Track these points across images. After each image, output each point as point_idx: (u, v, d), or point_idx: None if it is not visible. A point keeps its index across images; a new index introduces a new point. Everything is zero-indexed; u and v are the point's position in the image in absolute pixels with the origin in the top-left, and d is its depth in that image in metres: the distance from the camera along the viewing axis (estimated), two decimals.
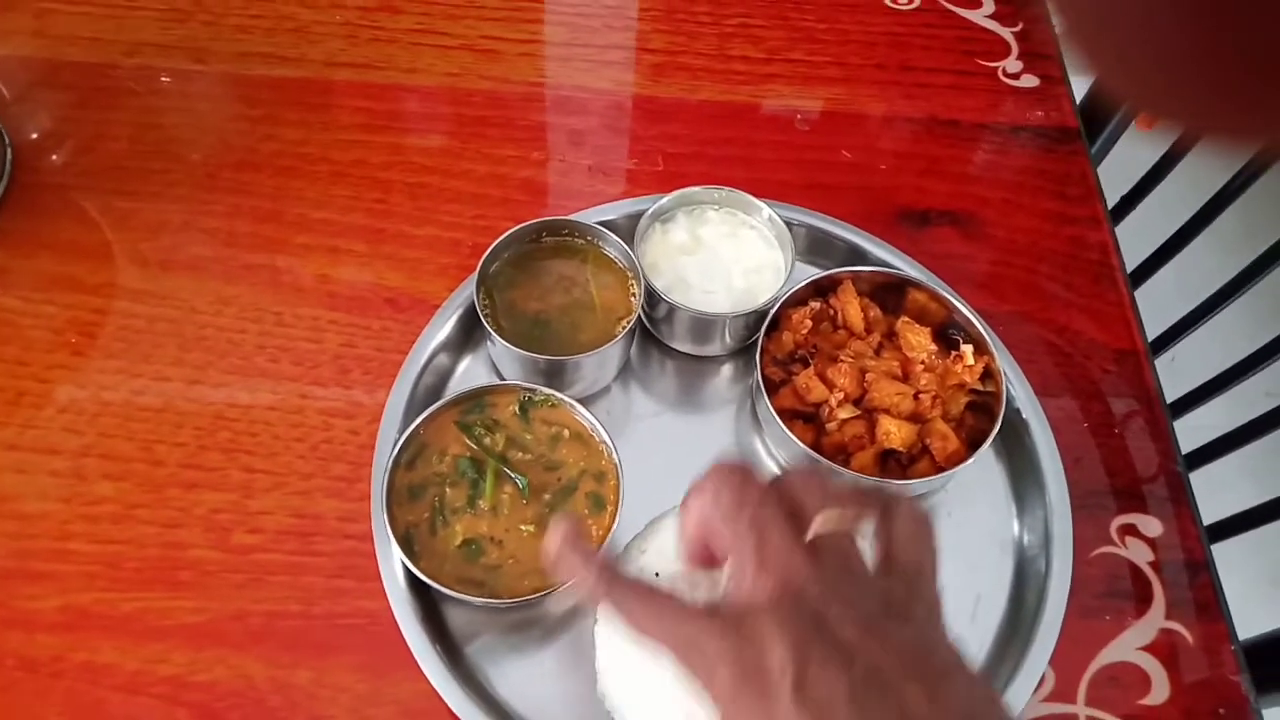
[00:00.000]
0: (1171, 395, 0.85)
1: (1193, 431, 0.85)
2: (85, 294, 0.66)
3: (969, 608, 0.58)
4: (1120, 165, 0.92)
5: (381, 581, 0.54)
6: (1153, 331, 0.87)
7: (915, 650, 0.36)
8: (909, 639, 0.36)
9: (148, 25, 0.80)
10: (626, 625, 0.40)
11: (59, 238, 0.69)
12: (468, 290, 0.63)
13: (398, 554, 0.52)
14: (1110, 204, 0.79)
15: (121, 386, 0.62)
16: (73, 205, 0.71)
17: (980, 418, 0.61)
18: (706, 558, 0.43)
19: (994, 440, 0.58)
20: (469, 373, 0.65)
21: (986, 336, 0.61)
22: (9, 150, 0.72)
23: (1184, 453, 0.66)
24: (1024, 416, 0.62)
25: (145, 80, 0.78)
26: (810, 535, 0.38)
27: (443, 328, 0.63)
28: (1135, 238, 0.87)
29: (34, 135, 0.74)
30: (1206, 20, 0.18)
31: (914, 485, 0.57)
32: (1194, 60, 0.19)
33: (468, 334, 0.65)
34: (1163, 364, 0.73)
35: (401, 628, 0.53)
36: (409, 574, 0.53)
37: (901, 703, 0.34)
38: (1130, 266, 0.80)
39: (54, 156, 0.74)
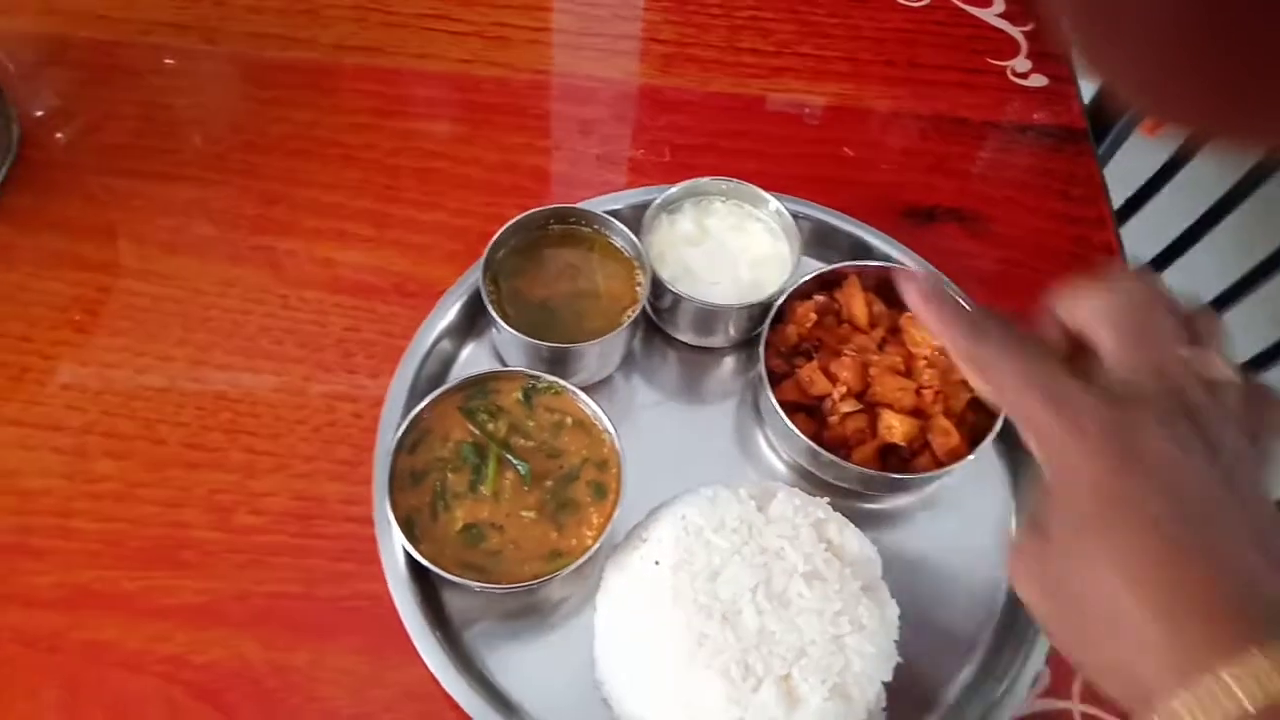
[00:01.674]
0: None
1: None
2: (90, 272, 0.66)
3: (967, 601, 0.58)
4: (1127, 167, 0.93)
5: (382, 565, 0.55)
6: None
7: (1266, 494, 0.36)
8: (1261, 483, 0.37)
9: (159, 4, 0.80)
10: (977, 366, 0.41)
11: (65, 215, 0.69)
12: (473, 276, 0.63)
13: (399, 538, 0.52)
14: (1116, 205, 0.79)
15: (125, 365, 0.63)
16: (79, 183, 0.71)
17: (982, 415, 0.61)
18: (1060, 350, 0.43)
19: (995, 437, 0.58)
20: (473, 359, 0.65)
21: None
22: (16, 127, 0.72)
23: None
24: None
25: (155, 60, 0.78)
26: (1202, 370, 0.39)
27: (448, 313, 0.63)
28: (1140, 240, 0.88)
29: (41, 113, 0.74)
30: (1210, 27, 0.18)
31: (914, 479, 0.57)
32: (1198, 65, 0.19)
33: (472, 320, 0.65)
34: None
35: (400, 612, 0.53)
36: (410, 558, 0.53)
37: (1254, 527, 0.34)
38: (1134, 269, 0.80)
39: (61, 134, 0.74)
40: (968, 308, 0.43)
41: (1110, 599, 0.34)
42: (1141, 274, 0.42)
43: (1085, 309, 0.41)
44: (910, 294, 0.45)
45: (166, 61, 0.78)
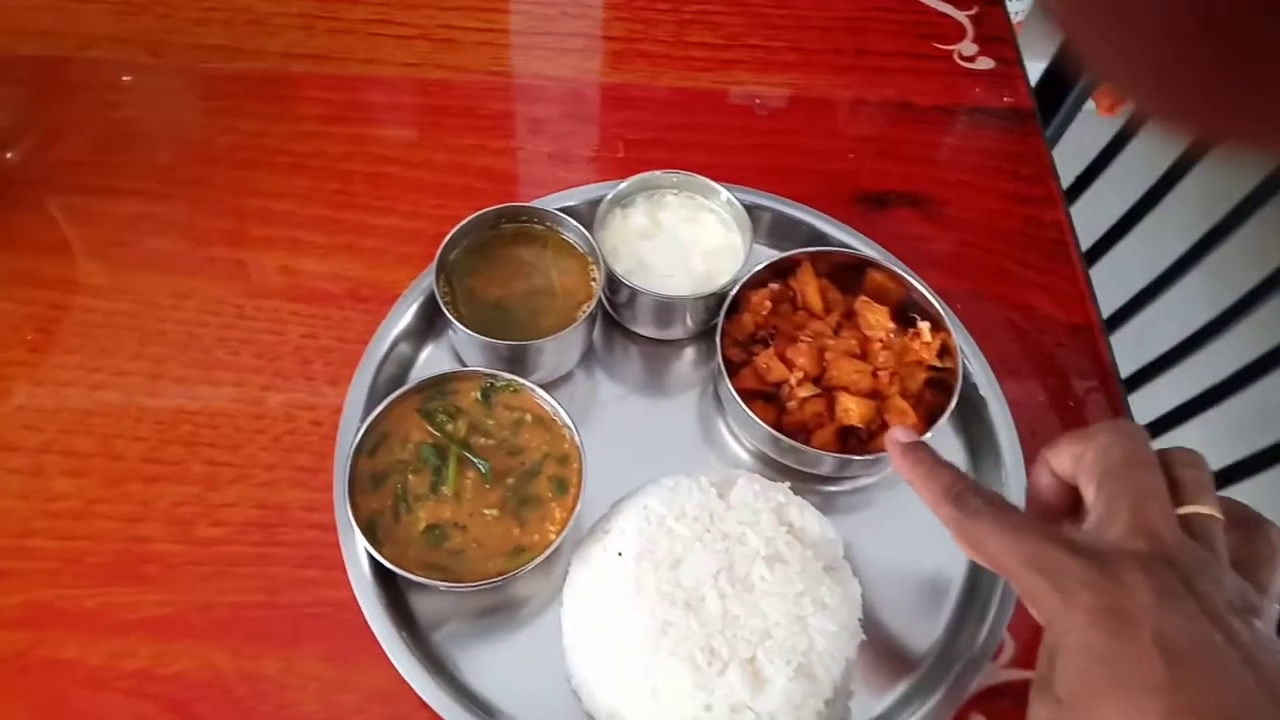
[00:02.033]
0: (1137, 378, 0.87)
1: (1151, 406, 0.87)
2: (43, 289, 0.66)
3: (930, 578, 0.59)
4: (1075, 146, 0.94)
5: (346, 570, 0.54)
6: (1114, 307, 0.89)
7: (1265, 639, 0.37)
8: (1260, 632, 0.37)
9: (101, 18, 0.79)
10: (968, 539, 0.43)
11: (15, 234, 0.68)
12: (428, 279, 0.63)
13: (361, 541, 0.52)
14: (1066, 184, 0.80)
15: (80, 382, 0.62)
16: (29, 201, 0.70)
17: (939, 394, 0.61)
18: (1053, 498, 0.45)
19: (952, 415, 0.59)
20: (431, 361, 0.65)
21: (944, 314, 0.62)
22: None
23: (1141, 424, 0.67)
24: (981, 391, 0.63)
25: (100, 74, 0.77)
26: (1184, 511, 0.40)
27: (404, 316, 0.63)
28: (1092, 216, 0.89)
29: None
30: (1200, 27, 0.18)
31: (873, 460, 0.58)
32: (1196, 67, 0.19)
33: (429, 322, 0.65)
34: (1129, 343, 0.74)
35: (367, 615, 0.53)
36: (374, 562, 0.53)
37: (1257, 678, 0.35)
38: (1087, 244, 0.82)
39: (9, 153, 0.73)
40: (948, 466, 0.46)
41: None
42: (1120, 425, 0.43)
43: (1068, 460, 0.43)
44: (891, 448, 0.49)
45: (112, 76, 0.77)
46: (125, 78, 0.77)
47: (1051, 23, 0.21)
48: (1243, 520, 0.42)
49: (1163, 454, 0.42)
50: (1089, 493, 0.42)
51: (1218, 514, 0.41)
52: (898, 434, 0.50)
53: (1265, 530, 0.42)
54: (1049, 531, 0.41)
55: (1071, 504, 0.45)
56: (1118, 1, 0.20)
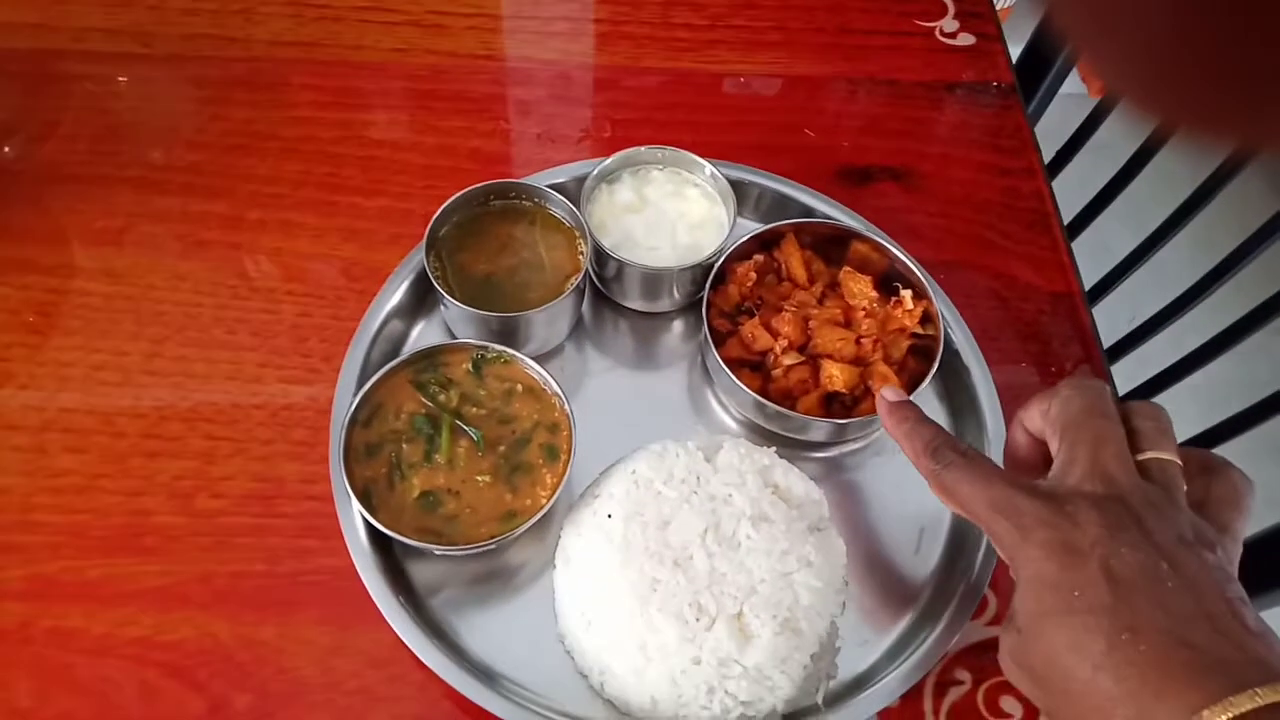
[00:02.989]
0: (1121, 346, 0.88)
1: (1135, 373, 0.88)
2: (41, 274, 0.67)
3: (913, 539, 0.60)
4: (1057, 125, 0.95)
5: (343, 539, 0.56)
6: (1101, 275, 0.90)
7: (1217, 572, 0.39)
8: (1211, 563, 0.39)
9: (92, 11, 0.80)
10: (942, 488, 0.46)
11: (11, 222, 0.70)
12: (419, 256, 0.64)
13: (357, 508, 0.54)
14: (1046, 159, 0.81)
15: (80, 363, 0.63)
16: (24, 191, 0.71)
17: (921, 360, 0.63)
18: (1028, 453, 0.48)
19: (935, 381, 0.60)
20: (423, 337, 0.66)
21: (925, 283, 0.63)
22: None
23: (1125, 392, 0.69)
24: (963, 358, 0.65)
25: (92, 66, 0.78)
26: (1143, 457, 0.43)
27: (396, 293, 0.65)
28: (1073, 191, 0.90)
29: None
30: (1197, 25, 0.19)
31: (857, 424, 0.59)
32: (1195, 65, 0.19)
33: (421, 299, 0.66)
34: (1115, 314, 0.75)
35: (365, 580, 0.54)
36: (370, 529, 0.55)
37: (1198, 603, 0.37)
38: (1068, 218, 0.83)
39: (4, 146, 0.74)
40: (929, 423, 0.49)
41: (1080, 681, 0.37)
42: (1081, 381, 0.46)
43: (1037, 416, 0.47)
44: (880, 406, 0.52)
45: (105, 66, 0.78)
46: (118, 73, 0.78)
47: (1040, 9, 0.21)
48: (1207, 466, 0.44)
49: (1124, 406, 0.45)
50: (1054, 444, 0.45)
51: (1174, 458, 0.43)
52: (886, 393, 0.53)
53: (1228, 474, 0.44)
54: (1014, 479, 0.43)
55: (1044, 459, 0.47)
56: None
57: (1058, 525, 0.40)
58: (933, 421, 0.50)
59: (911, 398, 0.59)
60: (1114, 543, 0.39)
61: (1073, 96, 1.02)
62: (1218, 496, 0.43)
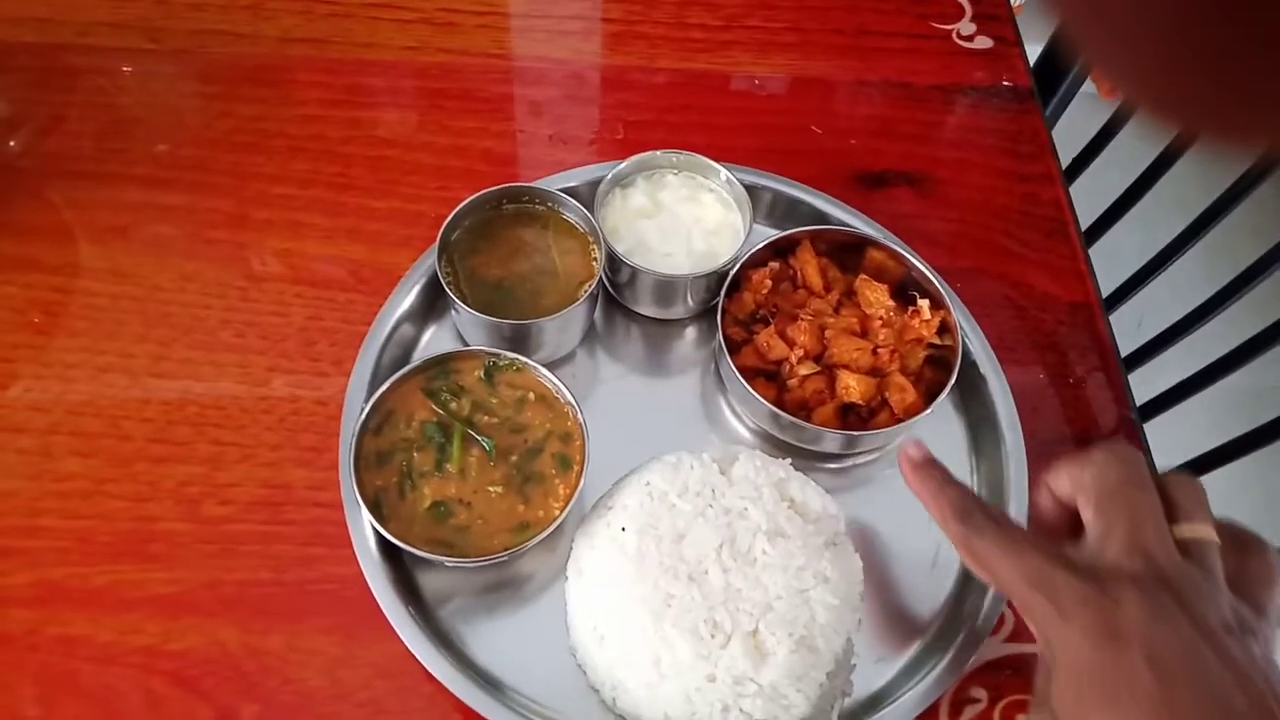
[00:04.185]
0: (1135, 357, 0.87)
1: (1150, 384, 0.87)
2: (46, 274, 0.66)
3: (930, 555, 0.59)
4: (1074, 127, 0.94)
5: (352, 548, 0.55)
6: (1115, 284, 0.89)
7: (1261, 662, 0.38)
8: (1255, 652, 0.38)
9: (100, 5, 0.79)
10: (972, 556, 0.44)
11: (17, 220, 0.69)
12: (430, 260, 0.63)
13: (367, 518, 0.53)
14: (1064, 164, 0.80)
15: (86, 364, 0.63)
16: (30, 187, 0.70)
17: (938, 371, 0.62)
18: (1055, 518, 0.46)
19: (952, 392, 0.59)
20: (434, 341, 0.65)
21: (943, 292, 0.62)
22: None
23: (1139, 404, 0.68)
24: (981, 369, 0.64)
25: (99, 60, 0.77)
26: (1181, 533, 0.41)
27: (407, 297, 0.64)
28: (1091, 196, 0.89)
29: None
30: (1206, 33, 0.18)
31: (874, 436, 0.59)
32: (1198, 72, 0.19)
33: (431, 303, 0.65)
34: (1129, 323, 0.74)
35: (374, 590, 0.53)
36: (380, 538, 0.54)
37: (1244, 694, 0.36)
38: (1085, 224, 0.82)
39: (10, 140, 0.73)
40: (957, 483, 0.47)
41: None
42: (1116, 449, 0.44)
43: (1067, 482, 0.45)
44: (903, 464, 0.50)
45: (113, 61, 0.77)
46: (125, 68, 0.77)
47: (1048, 11, 0.21)
48: (1242, 542, 0.43)
49: (1160, 478, 0.43)
50: (1087, 513, 0.43)
51: (1214, 536, 0.41)
52: (910, 451, 0.50)
53: (1263, 552, 0.43)
54: (1049, 550, 0.41)
55: (1072, 524, 0.45)
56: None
57: (1099, 607, 0.38)
58: (959, 483, 0.48)
59: (930, 410, 0.58)
60: (1157, 628, 0.37)
61: (1091, 97, 1.01)
62: (1254, 577, 0.42)
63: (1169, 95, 0.21)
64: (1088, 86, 1.00)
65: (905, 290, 0.64)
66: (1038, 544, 0.42)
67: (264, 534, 0.57)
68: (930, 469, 0.49)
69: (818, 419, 0.59)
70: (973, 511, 0.45)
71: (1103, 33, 0.20)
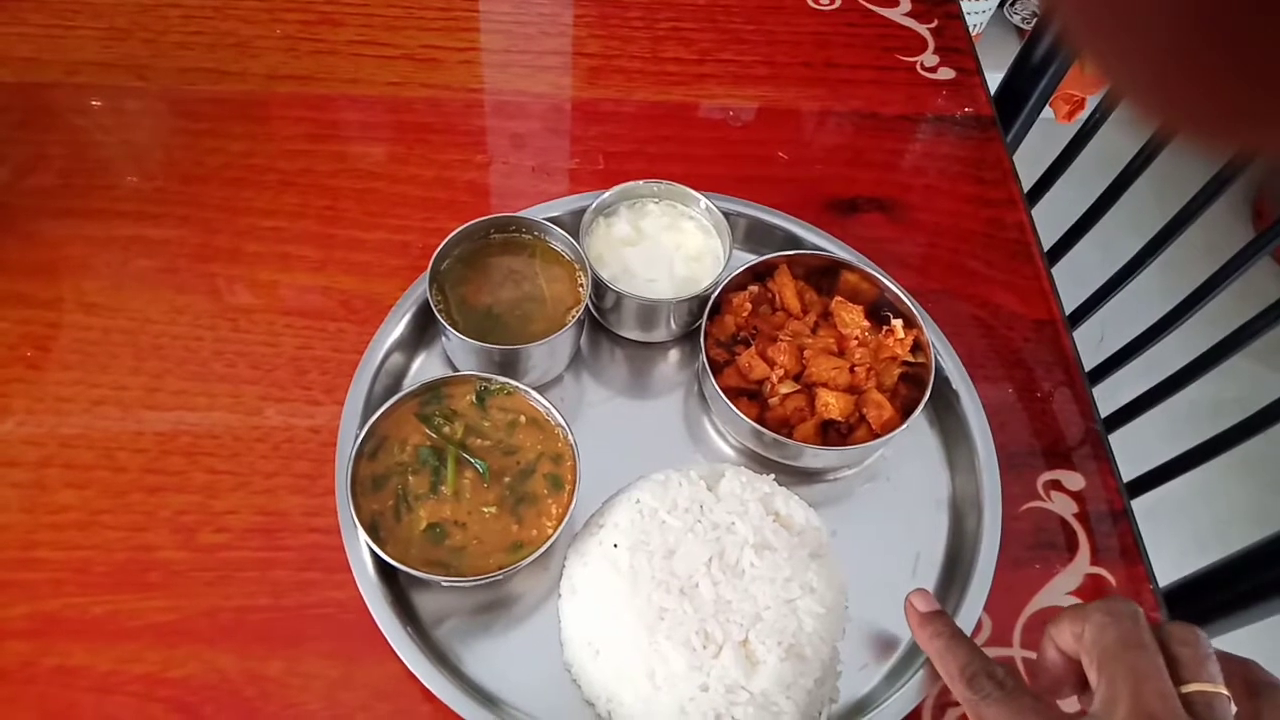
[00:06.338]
0: (1099, 371, 0.90)
1: (1113, 398, 0.90)
2: (38, 309, 0.67)
3: (910, 563, 0.61)
4: (1036, 151, 0.98)
5: (349, 572, 0.56)
6: (1077, 302, 0.93)
7: None
8: None
9: (87, 44, 0.81)
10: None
11: (7, 256, 0.69)
12: (420, 289, 0.65)
13: (365, 540, 0.54)
14: (1026, 186, 0.84)
15: (80, 397, 0.63)
16: (19, 224, 0.71)
17: (912, 387, 0.64)
18: (1061, 672, 0.46)
19: (925, 407, 0.62)
20: (424, 368, 0.67)
21: (915, 312, 0.65)
22: None
23: (1103, 415, 0.71)
24: (953, 385, 0.66)
25: (86, 99, 0.78)
26: (1188, 690, 0.41)
27: (397, 325, 0.65)
28: (1053, 217, 0.93)
29: None
30: (1198, 27, 0.18)
31: (853, 451, 0.61)
32: (1188, 65, 0.19)
33: (421, 331, 0.67)
34: (1091, 338, 0.76)
35: (372, 613, 0.54)
36: (377, 561, 0.55)
37: None
38: (1048, 244, 0.85)
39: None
40: (964, 641, 0.48)
41: None
42: (1113, 606, 0.44)
43: (1069, 637, 0.45)
44: (910, 616, 0.51)
45: (100, 99, 0.79)
46: (113, 106, 0.78)
47: (1056, 21, 0.21)
48: (1253, 686, 0.43)
49: (1159, 631, 0.43)
50: (1091, 673, 0.43)
51: (1221, 689, 0.41)
52: (918, 603, 0.51)
53: (1276, 698, 0.43)
54: (1056, 717, 0.42)
55: (1077, 676, 0.46)
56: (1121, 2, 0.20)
57: None
58: (967, 639, 0.49)
59: (906, 425, 0.61)
60: None
61: (1050, 122, 1.05)
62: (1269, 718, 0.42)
63: (1162, 93, 0.21)
64: (1046, 112, 1.04)
65: (879, 311, 0.67)
66: (1044, 711, 0.43)
67: (261, 560, 0.58)
68: (938, 623, 0.49)
69: (799, 435, 0.61)
70: (980, 677, 0.45)
71: (1096, 27, 0.20)
